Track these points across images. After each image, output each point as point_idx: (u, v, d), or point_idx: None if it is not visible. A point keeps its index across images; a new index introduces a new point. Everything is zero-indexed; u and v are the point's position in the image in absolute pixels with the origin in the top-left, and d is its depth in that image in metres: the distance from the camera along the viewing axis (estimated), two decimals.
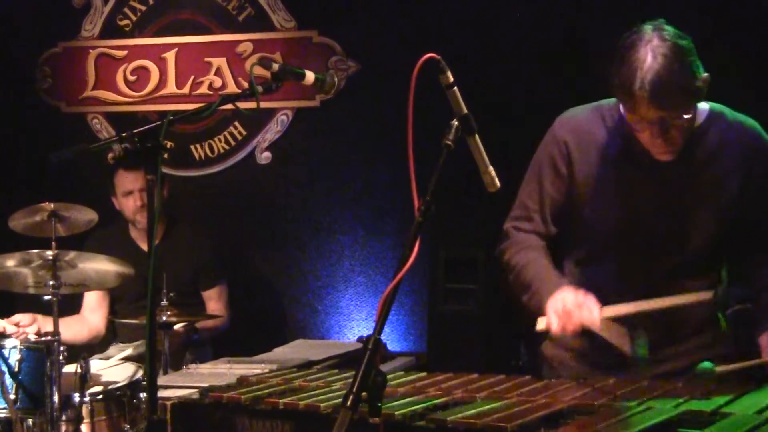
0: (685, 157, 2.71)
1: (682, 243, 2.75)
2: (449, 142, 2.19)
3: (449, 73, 2.25)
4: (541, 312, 2.70)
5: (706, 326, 2.83)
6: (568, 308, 2.59)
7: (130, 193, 4.71)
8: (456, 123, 2.24)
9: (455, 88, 2.27)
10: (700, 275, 2.78)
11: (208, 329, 4.76)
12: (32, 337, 4.00)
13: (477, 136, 2.32)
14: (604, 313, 2.61)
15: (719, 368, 2.46)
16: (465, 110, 2.27)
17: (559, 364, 2.92)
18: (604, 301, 2.66)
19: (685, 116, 2.59)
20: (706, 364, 2.45)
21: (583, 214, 2.83)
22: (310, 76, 2.64)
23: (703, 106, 2.75)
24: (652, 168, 2.72)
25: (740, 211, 2.74)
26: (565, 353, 2.91)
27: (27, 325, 4.17)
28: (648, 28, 2.58)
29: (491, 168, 2.39)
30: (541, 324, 2.67)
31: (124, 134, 2.50)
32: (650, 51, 2.52)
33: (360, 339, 5.19)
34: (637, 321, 2.67)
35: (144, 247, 4.74)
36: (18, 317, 4.20)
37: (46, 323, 4.13)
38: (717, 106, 2.79)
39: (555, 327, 2.60)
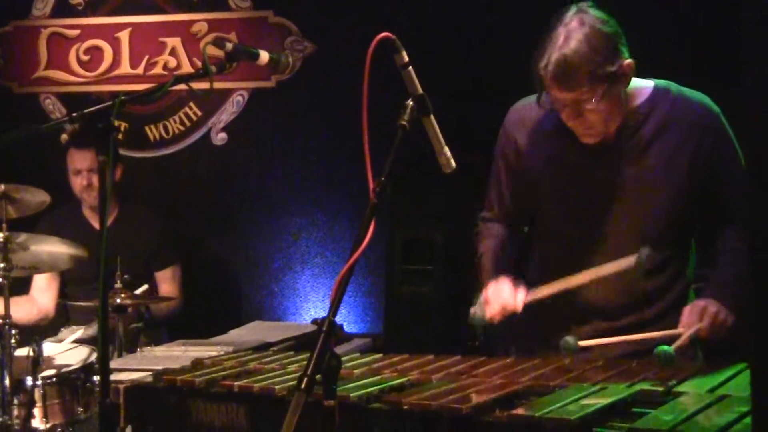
0: (630, 137, 2.73)
1: (634, 222, 2.76)
2: (404, 123, 2.17)
3: (404, 53, 2.23)
4: None
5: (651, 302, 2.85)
6: (489, 296, 2.79)
7: (78, 173, 4.69)
8: (411, 103, 2.22)
9: (410, 68, 2.25)
10: (658, 250, 2.78)
11: (161, 312, 4.73)
12: None
13: (432, 117, 2.31)
14: (528, 297, 2.76)
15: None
16: (420, 90, 2.25)
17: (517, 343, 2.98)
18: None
19: (595, 100, 2.58)
20: (665, 347, 2.49)
21: (538, 200, 2.89)
22: (264, 56, 2.62)
23: (647, 84, 2.77)
24: (598, 150, 2.74)
25: (694, 186, 2.73)
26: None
27: None
28: (571, 11, 2.62)
29: (447, 149, 2.37)
30: (471, 312, 2.85)
31: (75, 114, 2.46)
32: (564, 33, 2.57)
33: (314, 321, 5.16)
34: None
35: (97, 226, 4.71)
36: None
37: None
38: (662, 82, 2.79)
39: (479, 313, 2.80)
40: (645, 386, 2.30)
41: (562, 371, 2.52)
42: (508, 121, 2.92)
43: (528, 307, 2.78)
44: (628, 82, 2.67)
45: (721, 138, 2.74)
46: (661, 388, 2.27)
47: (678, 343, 2.59)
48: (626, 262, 2.67)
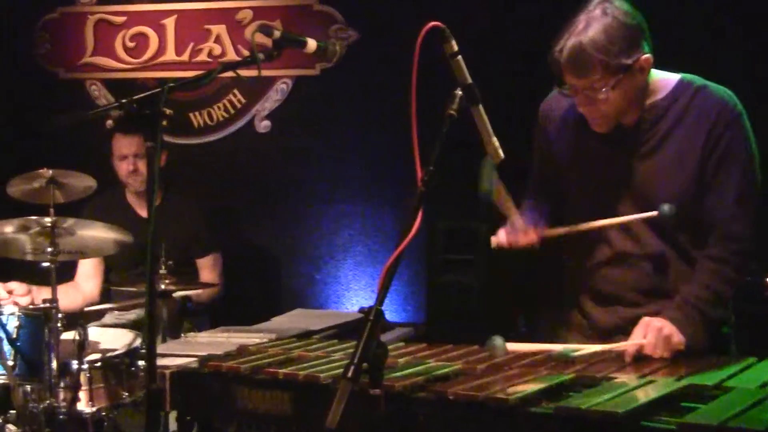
0: (648, 129, 2.73)
1: (646, 208, 2.72)
2: (453, 112, 2.17)
3: (453, 42, 2.22)
4: None
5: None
6: (511, 225, 2.85)
7: (124, 158, 4.71)
8: (459, 92, 2.21)
9: (459, 57, 2.24)
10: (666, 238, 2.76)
11: (202, 298, 4.75)
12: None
13: (481, 106, 2.30)
14: (546, 232, 2.85)
15: (576, 353, 2.56)
16: (469, 79, 2.24)
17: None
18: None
19: (606, 89, 2.59)
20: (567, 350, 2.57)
21: (564, 186, 2.92)
22: (311, 44, 2.62)
23: (673, 77, 2.75)
24: (617, 141, 2.75)
25: (704, 179, 2.68)
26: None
27: (20, 295, 4.15)
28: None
29: (495, 138, 2.36)
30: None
31: (123, 101, 2.48)
32: (585, 20, 2.59)
33: (361, 309, 5.17)
34: None
35: (141, 213, 4.74)
36: (13, 285, 4.17)
37: (40, 294, 4.11)
38: (688, 76, 2.77)
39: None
40: (694, 380, 2.28)
41: (608, 363, 2.50)
42: (541, 110, 2.98)
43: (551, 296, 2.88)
44: (645, 77, 2.67)
45: (733, 137, 2.67)
46: (710, 383, 2.24)
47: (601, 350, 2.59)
48: (648, 214, 2.68)
